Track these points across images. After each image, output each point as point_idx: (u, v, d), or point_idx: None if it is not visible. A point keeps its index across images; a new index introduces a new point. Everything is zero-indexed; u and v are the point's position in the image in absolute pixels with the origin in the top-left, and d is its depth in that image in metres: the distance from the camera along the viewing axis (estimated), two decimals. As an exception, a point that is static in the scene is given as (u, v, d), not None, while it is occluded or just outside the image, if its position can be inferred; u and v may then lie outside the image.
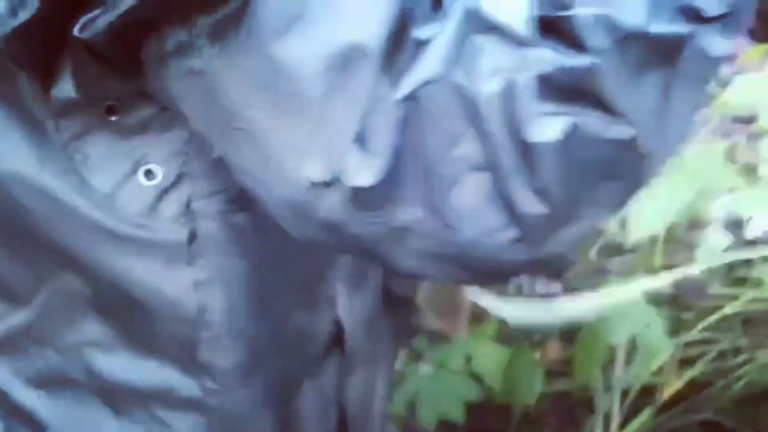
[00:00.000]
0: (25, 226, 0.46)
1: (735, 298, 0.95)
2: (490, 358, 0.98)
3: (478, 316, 0.99)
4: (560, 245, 0.36)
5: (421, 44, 0.33)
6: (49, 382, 0.51)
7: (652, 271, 0.92)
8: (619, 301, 0.77)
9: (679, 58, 0.34)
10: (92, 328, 0.50)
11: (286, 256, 0.48)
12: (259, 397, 0.51)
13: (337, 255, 0.50)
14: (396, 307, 0.59)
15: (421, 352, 1.00)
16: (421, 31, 0.33)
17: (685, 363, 1.11)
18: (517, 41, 0.33)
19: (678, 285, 0.90)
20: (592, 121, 0.33)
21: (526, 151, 0.33)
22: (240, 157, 0.38)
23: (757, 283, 0.94)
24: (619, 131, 0.34)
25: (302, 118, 0.35)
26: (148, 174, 0.45)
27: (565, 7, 0.33)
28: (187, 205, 0.45)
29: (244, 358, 0.50)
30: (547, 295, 1.17)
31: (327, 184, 0.35)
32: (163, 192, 0.44)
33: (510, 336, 1.03)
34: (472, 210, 0.35)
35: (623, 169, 0.35)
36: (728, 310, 0.99)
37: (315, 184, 0.35)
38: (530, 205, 0.34)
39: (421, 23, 0.33)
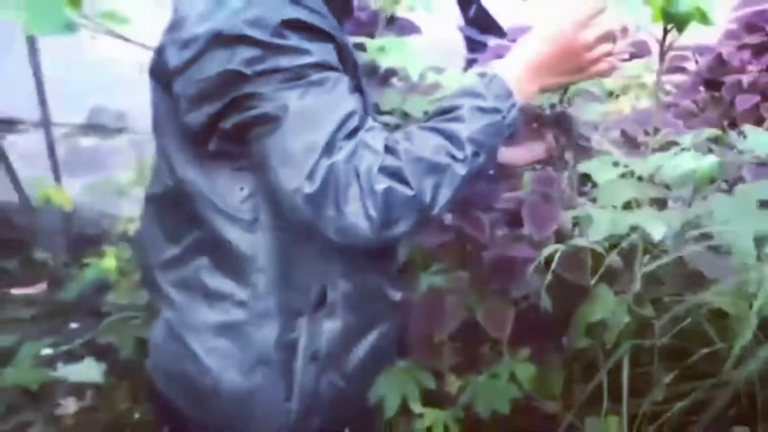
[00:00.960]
0: (185, 201, 1.05)
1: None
2: (526, 371, 1.41)
3: (517, 341, 1.43)
4: (392, 235, 0.93)
5: (341, 147, 0.91)
6: (181, 286, 1.04)
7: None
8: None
9: (445, 174, 0.94)
10: (204, 260, 1.07)
11: (302, 244, 1.03)
12: (277, 306, 1.04)
13: (334, 259, 1.06)
14: (391, 310, 1.15)
15: (479, 369, 1.43)
16: (344, 143, 0.91)
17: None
18: (375, 153, 0.91)
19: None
20: (399, 186, 0.91)
21: (374, 193, 0.90)
22: (273, 181, 0.94)
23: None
24: (407, 192, 0.91)
25: (289, 167, 0.91)
26: (242, 189, 1.01)
27: (396, 143, 0.94)
28: (256, 204, 1.02)
29: (272, 282, 1.04)
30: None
31: (297, 191, 0.91)
32: (247, 197, 1.02)
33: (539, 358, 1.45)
34: (353, 214, 0.90)
35: (415, 209, 0.92)
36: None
37: (294, 191, 0.91)
38: (373, 214, 0.90)
39: (344, 138, 0.91)
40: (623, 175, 1.36)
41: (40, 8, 1.24)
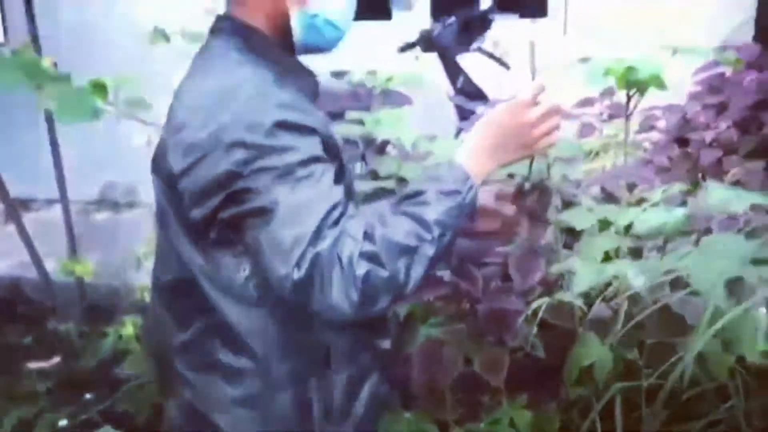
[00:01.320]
0: (192, 287, 1.15)
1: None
2: (523, 417, 1.49)
3: (514, 389, 1.51)
4: (373, 311, 1.02)
5: (326, 237, 1.00)
6: (198, 368, 1.17)
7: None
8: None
9: (415, 255, 1.04)
10: (217, 341, 1.15)
11: (300, 315, 1.11)
12: (289, 373, 1.14)
13: (328, 324, 1.13)
14: (381, 358, 1.24)
15: (481, 418, 1.52)
16: (328, 232, 1.00)
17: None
18: (355, 241, 1.01)
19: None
20: (376, 269, 1.00)
21: (354, 277, 1.00)
22: (265, 266, 1.03)
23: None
24: (383, 273, 1.01)
25: (279, 255, 1.00)
26: (244, 269, 1.11)
27: (373, 230, 1.03)
28: (257, 284, 1.11)
29: (281, 352, 1.13)
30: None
31: (286, 278, 0.99)
32: (247, 278, 1.12)
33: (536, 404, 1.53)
34: (336, 297, 0.99)
35: (391, 288, 1.02)
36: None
37: (283, 277, 1.00)
38: (354, 296, 1.00)
39: (328, 228, 1.01)
40: (602, 229, 1.47)
41: (69, 98, 1.38)
